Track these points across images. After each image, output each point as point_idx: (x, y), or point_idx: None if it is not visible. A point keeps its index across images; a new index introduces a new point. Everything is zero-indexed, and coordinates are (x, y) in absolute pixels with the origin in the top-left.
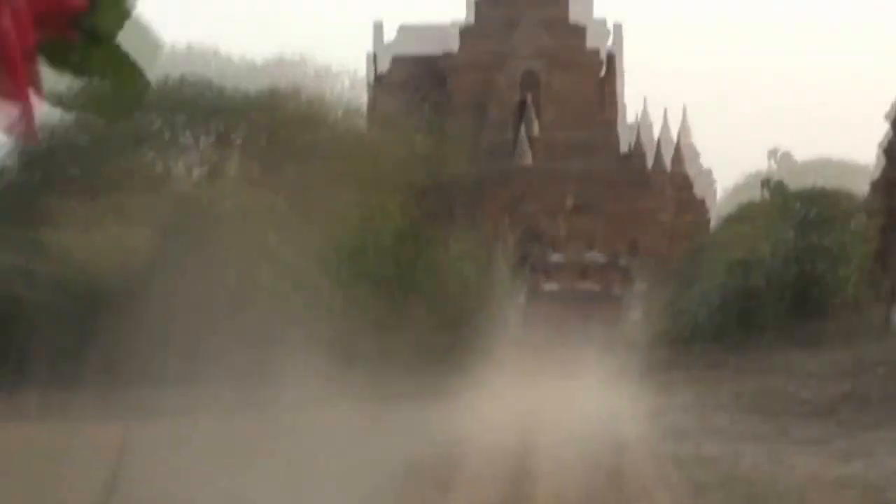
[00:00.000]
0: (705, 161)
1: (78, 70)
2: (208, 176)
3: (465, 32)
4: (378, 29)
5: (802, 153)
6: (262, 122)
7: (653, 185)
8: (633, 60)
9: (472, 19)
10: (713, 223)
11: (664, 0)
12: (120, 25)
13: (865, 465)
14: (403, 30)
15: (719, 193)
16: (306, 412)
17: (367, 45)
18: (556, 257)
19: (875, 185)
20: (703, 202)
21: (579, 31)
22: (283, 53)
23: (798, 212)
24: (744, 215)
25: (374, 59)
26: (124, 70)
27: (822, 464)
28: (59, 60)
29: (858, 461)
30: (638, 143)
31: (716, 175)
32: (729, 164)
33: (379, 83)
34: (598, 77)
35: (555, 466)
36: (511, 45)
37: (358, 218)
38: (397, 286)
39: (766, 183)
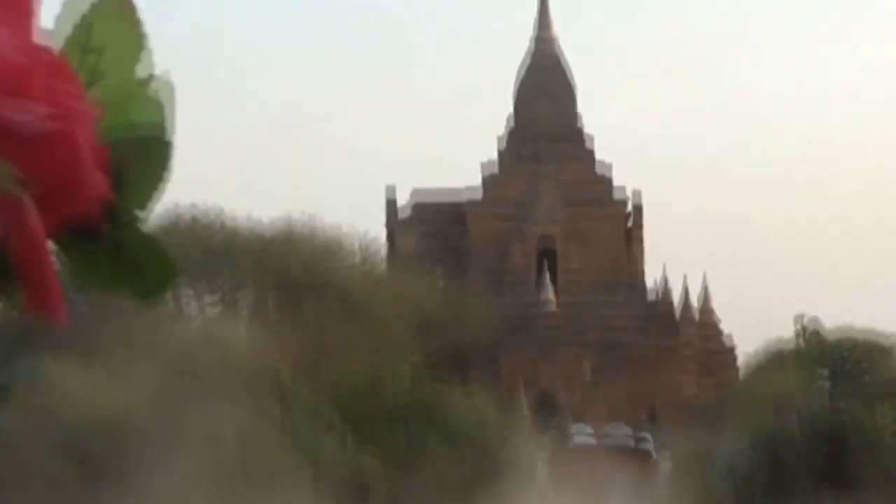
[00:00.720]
0: (725, 327)
1: (108, 259)
2: (220, 313)
3: (489, 180)
4: (391, 190)
5: (827, 320)
6: (277, 262)
7: (682, 330)
8: (652, 230)
9: (495, 169)
10: (736, 390)
11: (685, 168)
12: (143, 207)
13: None
14: (416, 192)
15: (740, 358)
16: None
17: (377, 211)
18: (577, 430)
19: None
20: (731, 350)
21: (604, 182)
22: (291, 212)
23: (833, 360)
24: (776, 362)
25: (392, 206)
26: (154, 257)
27: None
28: (88, 257)
29: None
30: (665, 291)
31: (736, 340)
32: (750, 330)
33: (398, 228)
34: (624, 226)
35: None
36: (535, 194)
37: (373, 360)
38: (412, 433)
39: (800, 330)
